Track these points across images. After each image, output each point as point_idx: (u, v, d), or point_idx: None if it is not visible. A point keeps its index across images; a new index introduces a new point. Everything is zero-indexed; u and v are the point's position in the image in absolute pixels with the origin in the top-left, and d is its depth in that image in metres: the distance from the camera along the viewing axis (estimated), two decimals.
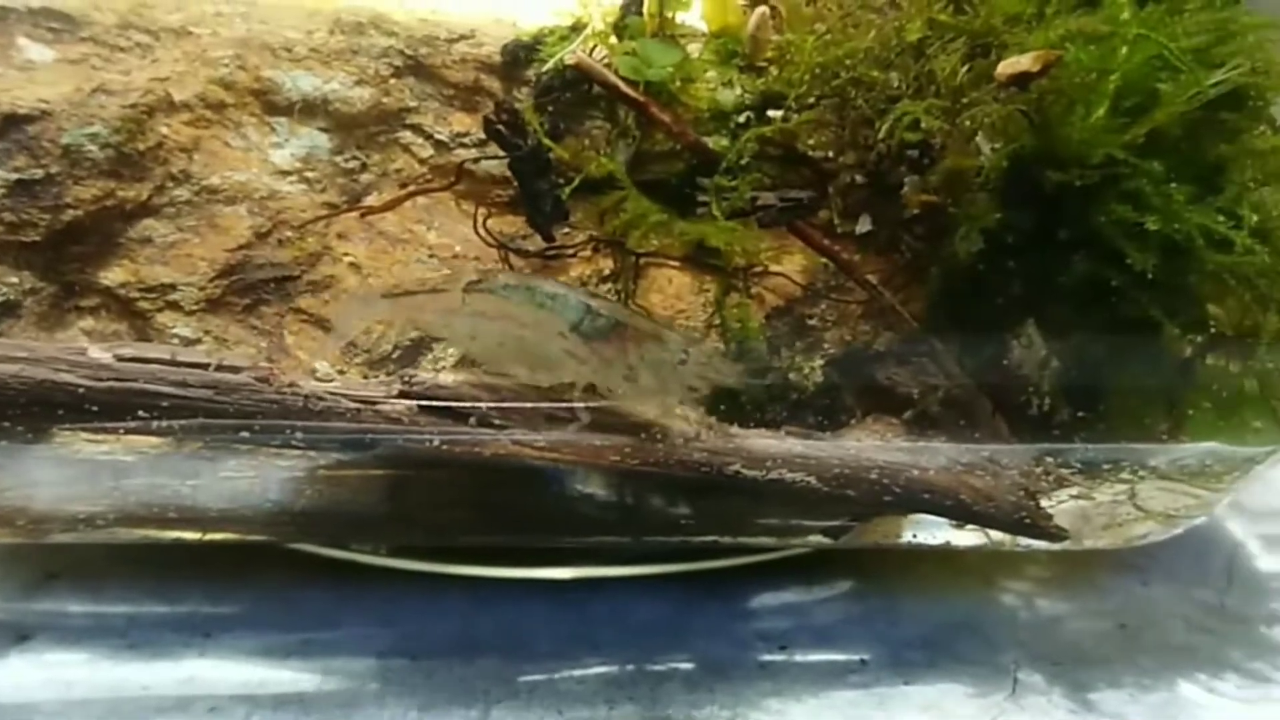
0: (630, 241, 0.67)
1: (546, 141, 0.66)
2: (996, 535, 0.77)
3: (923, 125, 0.67)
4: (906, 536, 0.79)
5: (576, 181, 0.68)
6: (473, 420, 0.65)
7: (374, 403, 0.66)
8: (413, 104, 0.70)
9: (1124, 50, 0.67)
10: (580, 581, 0.81)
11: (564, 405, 0.66)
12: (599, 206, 0.67)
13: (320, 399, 0.65)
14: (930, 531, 0.78)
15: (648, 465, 0.68)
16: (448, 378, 0.66)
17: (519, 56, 0.70)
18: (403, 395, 0.66)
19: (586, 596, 0.80)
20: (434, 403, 0.66)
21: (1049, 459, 0.71)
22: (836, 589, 0.82)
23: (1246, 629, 0.79)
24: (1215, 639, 0.78)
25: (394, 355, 0.69)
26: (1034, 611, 0.80)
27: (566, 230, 0.70)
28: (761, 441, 0.68)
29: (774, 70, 0.70)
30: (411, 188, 0.68)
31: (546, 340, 0.67)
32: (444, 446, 0.66)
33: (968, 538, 0.78)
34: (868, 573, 0.83)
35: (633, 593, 0.81)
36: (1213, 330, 0.71)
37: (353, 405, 0.66)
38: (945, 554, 0.83)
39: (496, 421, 0.66)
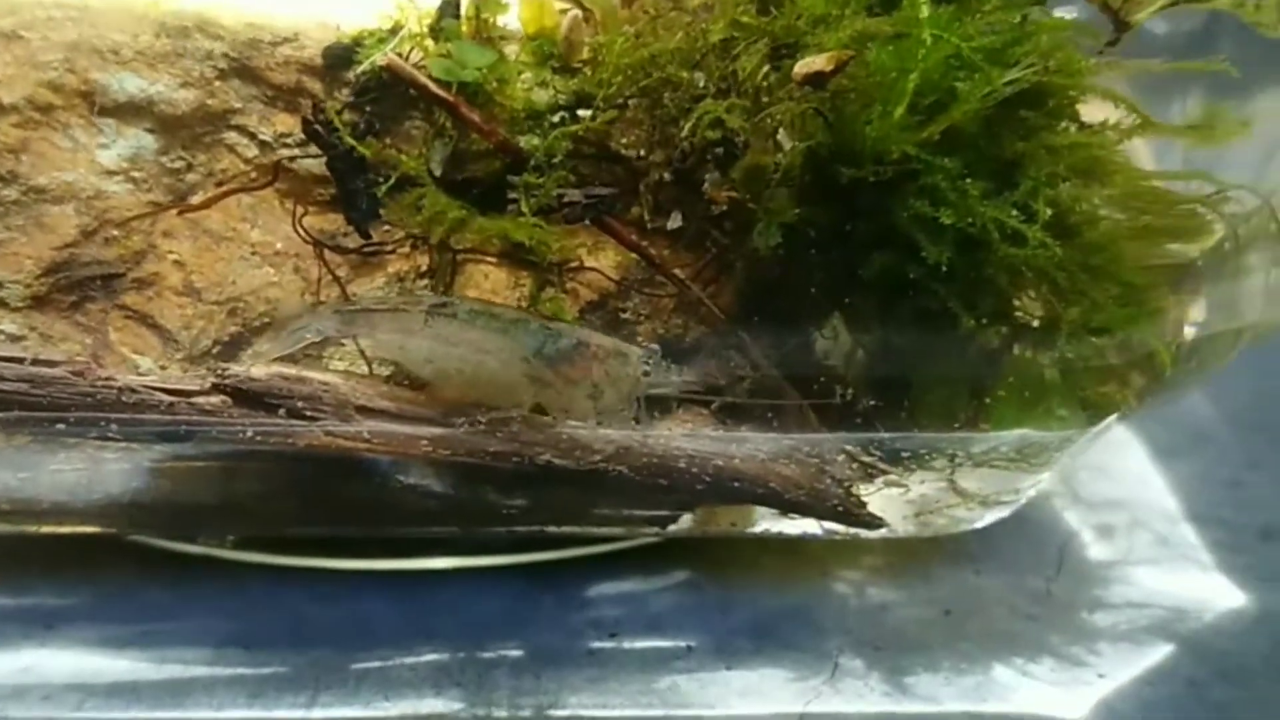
0: (433, 237, 0.69)
1: (349, 140, 0.68)
2: (830, 525, 0.79)
3: (725, 123, 0.69)
4: (753, 527, 0.80)
5: (392, 180, 0.70)
6: (282, 411, 0.67)
7: (188, 395, 0.68)
8: (237, 105, 0.72)
9: (922, 50, 0.69)
10: (423, 573, 0.83)
11: (377, 390, 0.68)
12: (401, 204, 0.68)
13: (134, 392, 0.67)
14: (765, 522, 0.80)
15: (460, 455, 0.70)
16: (260, 371, 0.68)
17: (340, 59, 0.71)
18: (215, 388, 0.67)
19: (428, 588, 0.82)
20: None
21: (857, 447, 0.73)
22: (673, 579, 0.84)
23: (1069, 615, 0.81)
24: (1037, 625, 0.80)
25: (214, 351, 0.71)
26: (864, 599, 0.82)
27: (387, 228, 0.71)
28: (571, 431, 0.70)
29: (587, 71, 0.72)
30: (228, 186, 0.70)
31: (509, 366, 0.69)
32: (257, 437, 0.68)
33: (798, 526, 0.80)
34: (707, 563, 0.85)
35: (474, 583, 0.83)
36: (1018, 322, 0.73)
37: (167, 398, 0.67)
38: (788, 545, 0.84)
39: (308, 413, 0.68)
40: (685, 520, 0.80)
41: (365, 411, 0.68)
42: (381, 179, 0.70)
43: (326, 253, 0.71)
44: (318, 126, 0.69)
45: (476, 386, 0.70)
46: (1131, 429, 0.98)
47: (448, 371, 0.69)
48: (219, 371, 0.67)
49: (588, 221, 0.70)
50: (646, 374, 0.69)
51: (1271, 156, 0.79)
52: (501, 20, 0.73)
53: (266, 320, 0.71)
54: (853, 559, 0.85)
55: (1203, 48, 0.72)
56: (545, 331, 0.69)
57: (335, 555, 0.83)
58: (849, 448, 0.72)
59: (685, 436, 0.71)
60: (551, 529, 0.78)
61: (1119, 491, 0.92)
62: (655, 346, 0.71)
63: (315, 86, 0.72)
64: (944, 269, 0.69)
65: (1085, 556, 0.86)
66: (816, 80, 0.68)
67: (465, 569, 0.84)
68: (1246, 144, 0.78)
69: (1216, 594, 0.83)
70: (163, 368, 0.70)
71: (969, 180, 0.70)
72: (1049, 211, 0.70)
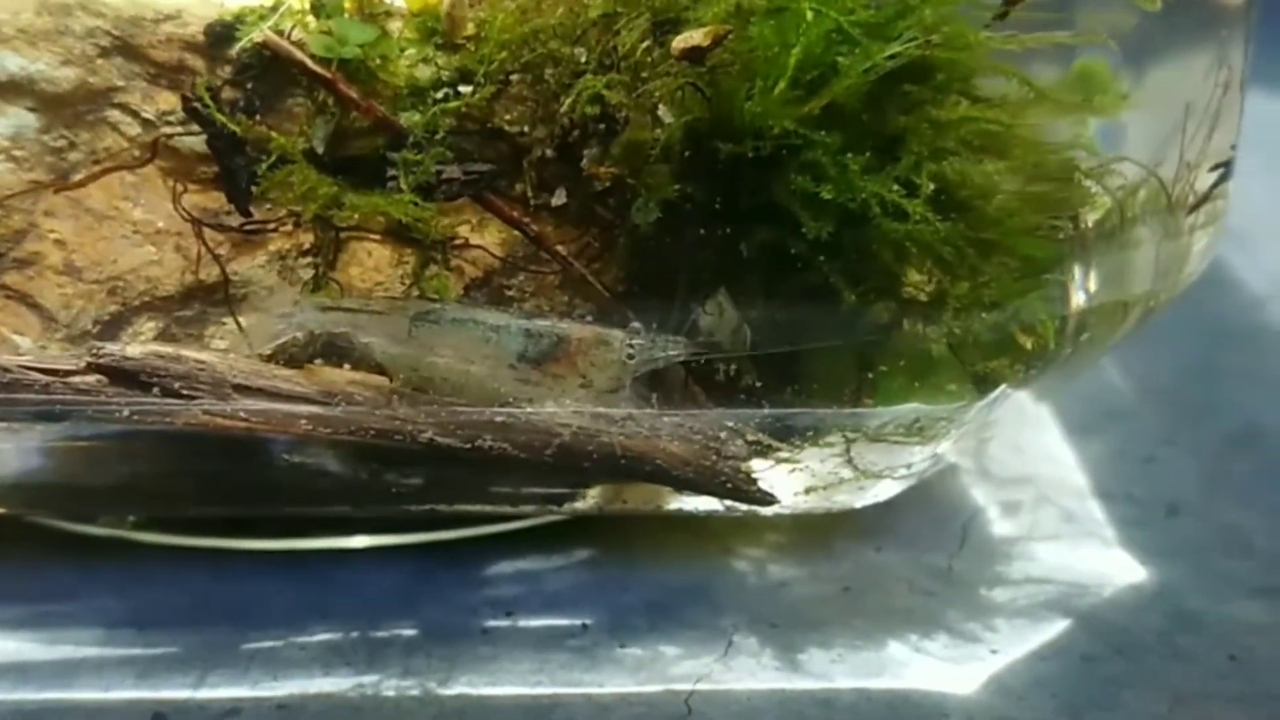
0: (305, 214, 0.68)
1: (220, 117, 0.67)
2: (725, 501, 0.79)
3: (605, 99, 0.68)
4: (656, 505, 0.80)
5: (273, 158, 0.69)
6: (156, 390, 0.67)
7: (64, 375, 0.67)
8: (120, 83, 0.72)
9: (803, 25, 0.69)
10: (324, 552, 0.83)
11: (254, 369, 0.68)
12: (272, 181, 0.68)
13: (8, 371, 0.67)
14: (663, 499, 0.80)
15: (341, 433, 0.70)
16: (135, 350, 0.67)
17: (222, 36, 0.71)
18: (90, 367, 0.67)
19: (328, 567, 0.82)
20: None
21: (745, 424, 0.73)
22: (575, 557, 0.84)
23: (967, 591, 0.81)
24: (935, 601, 0.80)
25: (94, 330, 0.70)
26: (764, 577, 0.82)
27: (270, 206, 0.71)
28: (450, 407, 0.70)
29: (471, 47, 0.71)
30: (106, 164, 0.70)
31: (495, 373, 0.70)
32: (134, 417, 0.68)
33: (701, 504, 0.80)
34: (610, 542, 0.84)
35: (376, 562, 0.83)
36: (905, 296, 0.73)
37: (42, 378, 0.67)
38: (692, 523, 0.84)
39: (184, 392, 0.67)
40: (589, 499, 0.80)
41: (243, 390, 0.68)
42: (263, 157, 0.69)
43: (208, 231, 0.70)
44: (197, 105, 0.69)
45: (462, 394, 0.70)
46: (1047, 406, 0.98)
47: (433, 380, 0.71)
48: (94, 350, 0.67)
49: (468, 197, 0.69)
50: (631, 356, 0.70)
51: (1176, 129, 0.78)
52: None
53: (147, 299, 0.71)
54: (756, 536, 0.85)
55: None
56: (526, 335, 0.70)
57: (236, 535, 0.82)
58: (731, 424, 0.71)
59: (570, 413, 0.70)
60: (443, 508, 0.77)
61: (1029, 469, 0.92)
62: (637, 325, 0.71)
63: (198, 64, 0.72)
64: (826, 244, 0.69)
65: (989, 533, 0.86)
66: (694, 55, 0.68)
67: (366, 549, 0.83)
68: (1152, 116, 0.77)
69: (1117, 569, 0.83)
70: (43, 347, 0.70)
71: (850, 155, 0.69)
72: (931, 186, 0.69)
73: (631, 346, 0.69)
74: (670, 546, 0.84)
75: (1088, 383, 1.00)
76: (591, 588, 0.81)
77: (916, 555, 0.84)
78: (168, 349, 0.68)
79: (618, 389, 0.70)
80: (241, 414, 0.68)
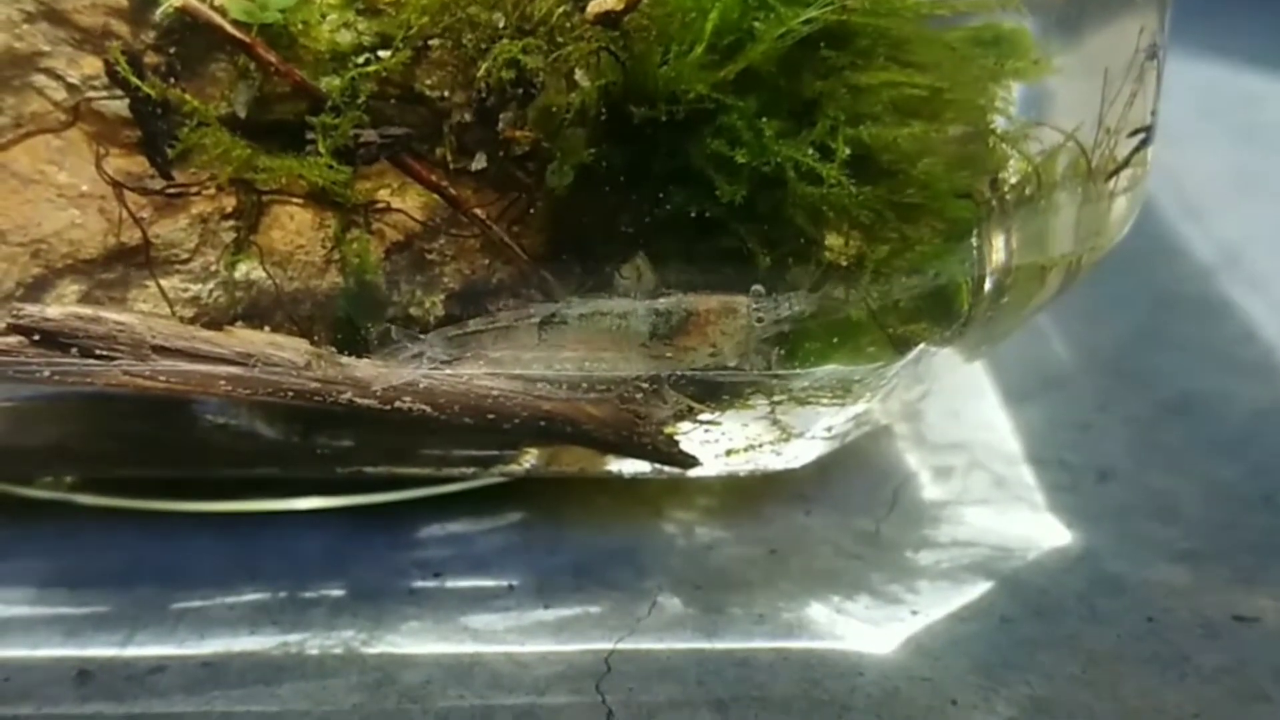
0: (220, 177, 0.69)
1: (134, 80, 0.68)
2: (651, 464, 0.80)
3: (521, 64, 0.69)
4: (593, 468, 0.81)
5: (195, 122, 0.70)
6: (75, 351, 0.68)
7: None
8: (46, 48, 0.72)
9: None
10: (257, 514, 0.84)
11: (175, 330, 0.68)
12: (185, 143, 0.69)
13: None
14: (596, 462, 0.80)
15: (261, 394, 0.70)
16: (54, 311, 0.68)
17: (146, 0, 0.72)
18: (11, 329, 0.68)
19: (258, 529, 0.83)
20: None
21: (667, 386, 0.74)
22: (505, 519, 0.85)
23: (893, 554, 0.82)
24: (860, 563, 0.81)
25: (17, 293, 0.71)
26: (691, 539, 0.83)
27: (194, 170, 0.72)
28: (371, 370, 0.71)
29: (391, 12, 0.72)
30: (30, 128, 0.70)
31: (627, 355, 0.71)
32: (55, 377, 0.69)
33: (635, 466, 0.80)
34: (542, 504, 0.85)
35: (307, 525, 0.84)
36: (823, 260, 0.73)
37: None
38: (625, 485, 0.85)
39: (103, 352, 0.68)
40: (522, 461, 0.81)
41: (162, 351, 0.69)
42: (186, 121, 0.70)
43: (131, 195, 0.71)
44: (118, 69, 0.69)
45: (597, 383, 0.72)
46: (986, 374, 0.98)
47: (569, 377, 0.72)
48: (15, 312, 0.67)
49: (387, 161, 0.70)
50: (760, 320, 0.70)
51: (1110, 95, 0.79)
52: None
53: (70, 262, 0.71)
54: (687, 499, 0.86)
55: None
56: (655, 315, 0.71)
57: (171, 498, 0.83)
58: (645, 385, 0.72)
59: (489, 375, 0.71)
60: (372, 470, 0.78)
61: (964, 434, 0.93)
62: (758, 287, 0.72)
63: (123, 29, 0.72)
64: (741, 207, 0.70)
65: (919, 498, 0.87)
66: (608, 20, 0.68)
67: (300, 511, 0.84)
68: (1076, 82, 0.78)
69: (1043, 533, 0.84)
70: None
71: (765, 120, 0.69)
72: (847, 150, 0.70)
73: (759, 310, 0.70)
74: (601, 509, 0.85)
75: (1029, 351, 1.01)
76: (520, 550, 0.82)
77: (845, 519, 0.85)
78: (87, 310, 0.68)
79: (744, 353, 0.72)
80: (160, 375, 0.69)
